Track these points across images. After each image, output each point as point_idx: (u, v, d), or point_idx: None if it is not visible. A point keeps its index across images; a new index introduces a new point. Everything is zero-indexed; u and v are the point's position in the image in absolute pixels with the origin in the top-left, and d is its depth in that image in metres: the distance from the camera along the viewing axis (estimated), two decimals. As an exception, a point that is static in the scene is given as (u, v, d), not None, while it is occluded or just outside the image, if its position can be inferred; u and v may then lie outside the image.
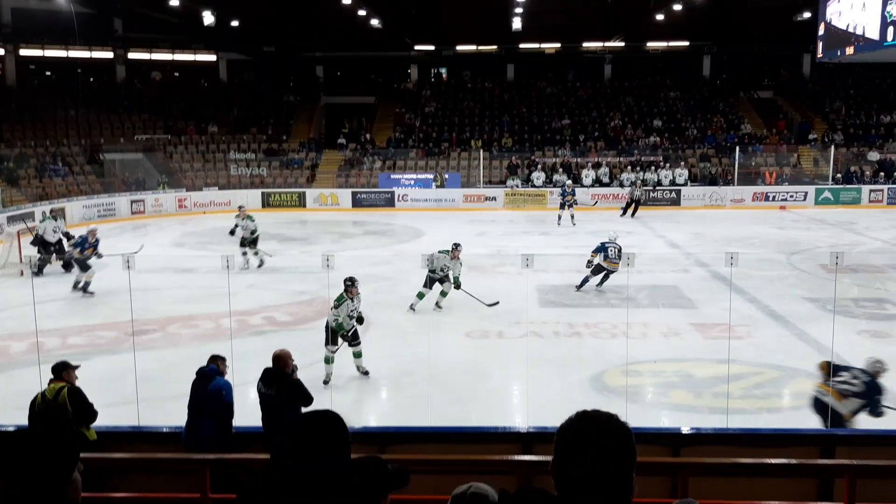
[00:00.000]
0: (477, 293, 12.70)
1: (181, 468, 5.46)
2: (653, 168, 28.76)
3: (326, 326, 9.52)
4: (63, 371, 6.17)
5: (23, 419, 6.06)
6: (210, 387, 6.25)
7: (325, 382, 9.23)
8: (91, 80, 35.63)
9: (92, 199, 25.30)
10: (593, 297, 13.66)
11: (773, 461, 5.01)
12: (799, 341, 10.94)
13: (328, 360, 9.41)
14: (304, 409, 6.34)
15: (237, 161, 30.18)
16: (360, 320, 9.60)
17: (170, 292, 14.07)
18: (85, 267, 14.18)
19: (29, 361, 8.87)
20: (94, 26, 31.85)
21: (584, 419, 1.84)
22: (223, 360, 6.57)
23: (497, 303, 12.60)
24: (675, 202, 27.42)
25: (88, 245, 14.71)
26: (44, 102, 31.44)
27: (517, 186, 28.30)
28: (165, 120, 32.37)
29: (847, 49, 18.46)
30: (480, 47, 36.75)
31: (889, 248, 18.73)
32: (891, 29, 16.31)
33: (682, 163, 29.18)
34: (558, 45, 36.24)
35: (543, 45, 36.53)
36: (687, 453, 5.71)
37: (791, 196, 27.38)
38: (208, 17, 26.99)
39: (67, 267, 16.00)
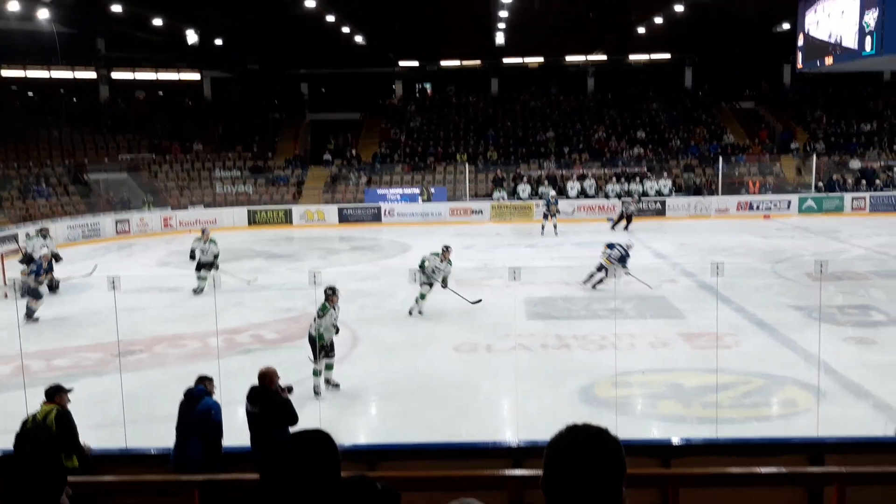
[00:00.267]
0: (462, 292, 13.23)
1: (170, 490, 5.40)
2: (637, 179, 28.95)
3: (310, 338, 9.52)
4: (56, 394, 6.15)
5: (8, 442, 6.00)
6: (198, 407, 6.21)
7: (317, 394, 9.26)
8: (74, 99, 35.51)
9: (76, 220, 25.13)
10: (581, 308, 13.69)
11: (763, 471, 5.02)
12: (786, 349, 10.99)
13: (317, 373, 9.45)
14: (291, 429, 6.31)
15: (222, 179, 30.10)
16: (336, 329, 9.72)
17: (156, 312, 13.97)
18: (37, 295, 13.87)
19: (14, 385, 8.77)
20: (77, 46, 31.73)
21: (573, 433, 1.84)
22: (210, 380, 6.55)
23: (480, 300, 13.14)
24: (661, 213, 27.59)
25: (43, 271, 14.51)
26: (26, 123, 31.30)
27: (503, 199, 28.42)
28: (150, 139, 32.28)
29: (826, 59, 18.68)
30: (464, 62, 36.96)
31: (873, 256, 18.89)
32: (868, 39, 16.52)
33: (666, 173, 29.40)
34: (541, 59, 36.51)
35: (527, 60, 36.78)
36: (677, 464, 5.71)
37: (775, 205, 27.62)
38: (192, 36, 27.03)
39: (52, 288, 15.89)
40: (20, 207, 25.51)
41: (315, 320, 9.50)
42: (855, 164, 29.71)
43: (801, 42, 20.00)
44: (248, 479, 4.88)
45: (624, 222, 24.70)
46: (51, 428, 5.90)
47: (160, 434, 6.86)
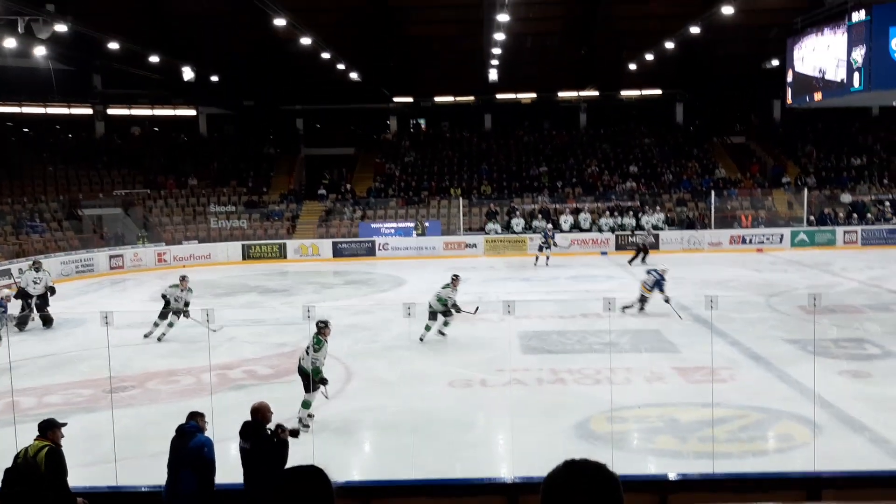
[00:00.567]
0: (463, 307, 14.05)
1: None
2: (630, 213, 29.10)
3: (303, 371, 9.44)
4: (48, 430, 6.07)
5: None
6: (191, 444, 6.15)
7: (306, 427, 9.07)
8: (70, 136, 35.63)
9: (70, 255, 25.03)
10: (575, 342, 13.66)
11: (761, 506, 4.99)
12: (781, 383, 10.97)
13: (306, 405, 9.40)
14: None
15: (217, 214, 30.11)
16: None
17: (149, 347, 13.89)
18: None
19: (4, 422, 8.68)
20: (73, 83, 31.99)
21: (571, 469, 1.83)
22: (202, 416, 6.49)
23: (477, 308, 13.86)
24: (654, 246, 27.63)
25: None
26: (21, 159, 31.38)
27: (497, 232, 28.51)
28: (145, 174, 32.37)
29: (815, 95, 18.96)
30: (458, 98, 37.29)
31: (866, 289, 18.95)
32: (856, 75, 16.80)
33: (659, 207, 29.56)
34: (534, 94, 36.88)
35: (519, 95, 37.15)
36: (674, 500, 5.68)
37: (767, 238, 27.75)
38: (188, 73, 27.23)
39: (47, 323, 15.81)
40: (13, 243, 25.44)
41: (308, 353, 9.44)
42: (846, 197, 29.95)
43: (790, 78, 20.33)
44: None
45: (641, 257, 24.49)
46: (40, 466, 5.79)
47: (152, 471, 6.78)
